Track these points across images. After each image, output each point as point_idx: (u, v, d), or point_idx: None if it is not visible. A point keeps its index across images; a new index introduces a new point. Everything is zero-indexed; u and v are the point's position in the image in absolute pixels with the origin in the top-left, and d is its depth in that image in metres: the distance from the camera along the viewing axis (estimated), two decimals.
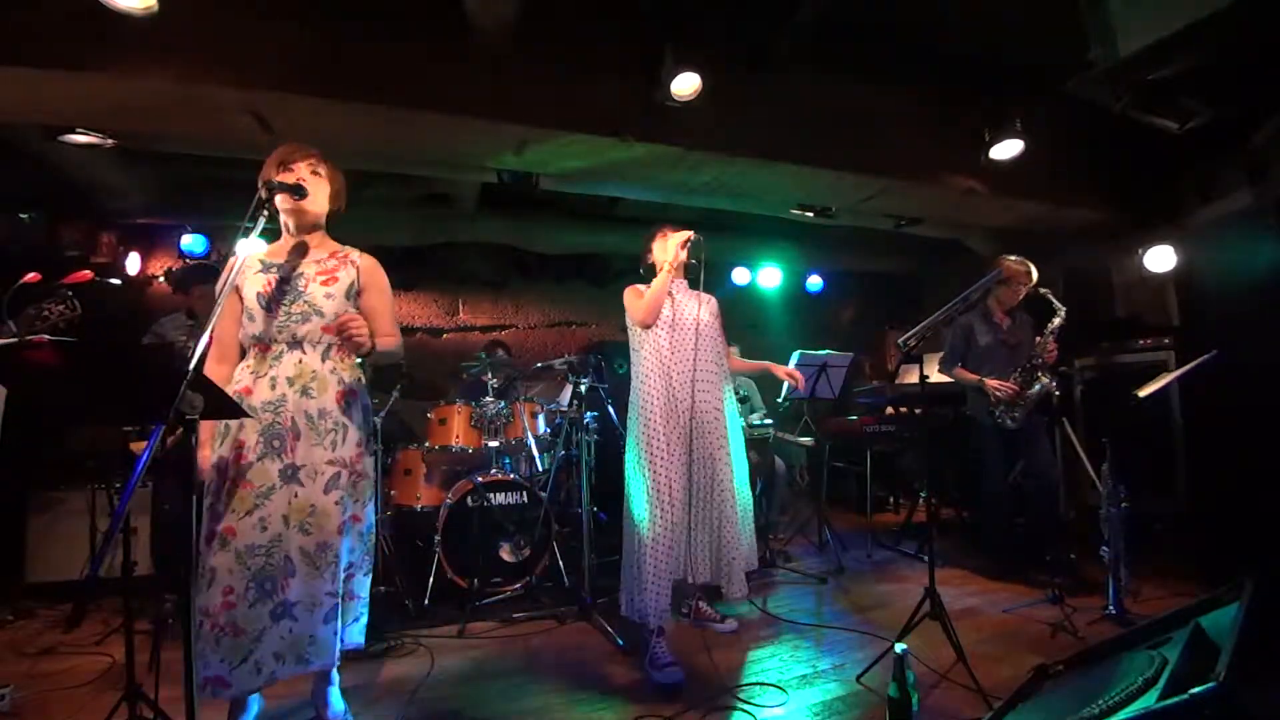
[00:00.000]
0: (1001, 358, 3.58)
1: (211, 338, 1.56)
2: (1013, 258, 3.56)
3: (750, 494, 2.71)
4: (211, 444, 1.83)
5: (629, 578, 2.51)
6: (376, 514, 3.31)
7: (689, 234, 2.60)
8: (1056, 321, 3.41)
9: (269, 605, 1.75)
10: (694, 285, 2.71)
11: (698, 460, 2.51)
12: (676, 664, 2.35)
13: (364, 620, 2.05)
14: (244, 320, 1.85)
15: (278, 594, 1.76)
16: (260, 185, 1.90)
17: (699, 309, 2.67)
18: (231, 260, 1.83)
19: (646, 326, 2.59)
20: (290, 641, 1.77)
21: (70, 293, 2.10)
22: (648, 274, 2.74)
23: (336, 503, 1.85)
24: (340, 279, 1.93)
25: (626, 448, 2.62)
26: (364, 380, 2.00)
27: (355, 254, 2.02)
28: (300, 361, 1.85)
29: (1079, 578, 3.30)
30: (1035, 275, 3.49)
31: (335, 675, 2.04)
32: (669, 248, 2.63)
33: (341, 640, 1.94)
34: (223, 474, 1.78)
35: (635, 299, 2.65)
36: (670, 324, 2.62)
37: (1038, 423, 3.57)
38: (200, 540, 1.74)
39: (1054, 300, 3.40)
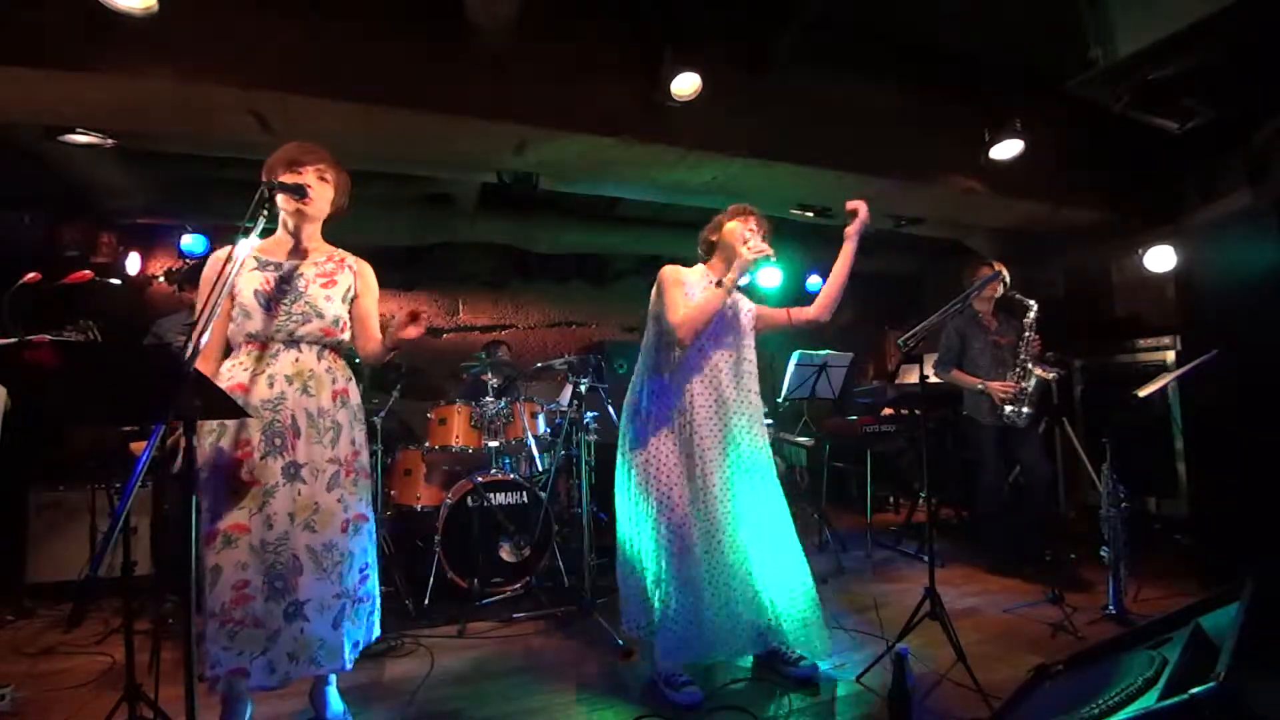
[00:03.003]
0: (996, 358, 3.65)
1: (209, 336, 1.55)
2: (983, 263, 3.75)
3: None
4: (204, 440, 1.81)
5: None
6: (376, 513, 3.36)
7: (767, 251, 2.15)
8: (1032, 315, 3.46)
9: (282, 604, 1.77)
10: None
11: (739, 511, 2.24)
12: (694, 681, 2.21)
13: (378, 612, 2.05)
14: (237, 317, 1.83)
15: (289, 593, 1.78)
16: (264, 178, 1.91)
17: (742, 315, 2.38)
18: (219, 255, 1.84)
19: (682, 345, 2.23)
20: (303, 643, 1.80)
21: (90, 322, 2.10)
22: (698, 255, 2.45)
23: (339, 500, 1.88)
24: (339, 282, 1.96)
25: (620, 464, 2.40)
26: (352, 380, 2.02)
27: (350, 258, 2.04)
28: (297, 360, 1.87)
29: (1079, 577, 3.30)
30: (1005, 274, 3.57)
31: (333, 676, 2.04)
32: (740, 244, 2.22)
33: (360, 641, 1.96)
34: (221, 473, 1.77)
35: (678, 292, 2.23)
36: (715, 336, 2.28)
37: (1030, 419, 3.59)
38: (199, 541, 1.74)
39: (1023, 298, 3.47)
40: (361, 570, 1.94)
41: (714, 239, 2.39)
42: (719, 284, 2.18)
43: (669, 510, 2.21)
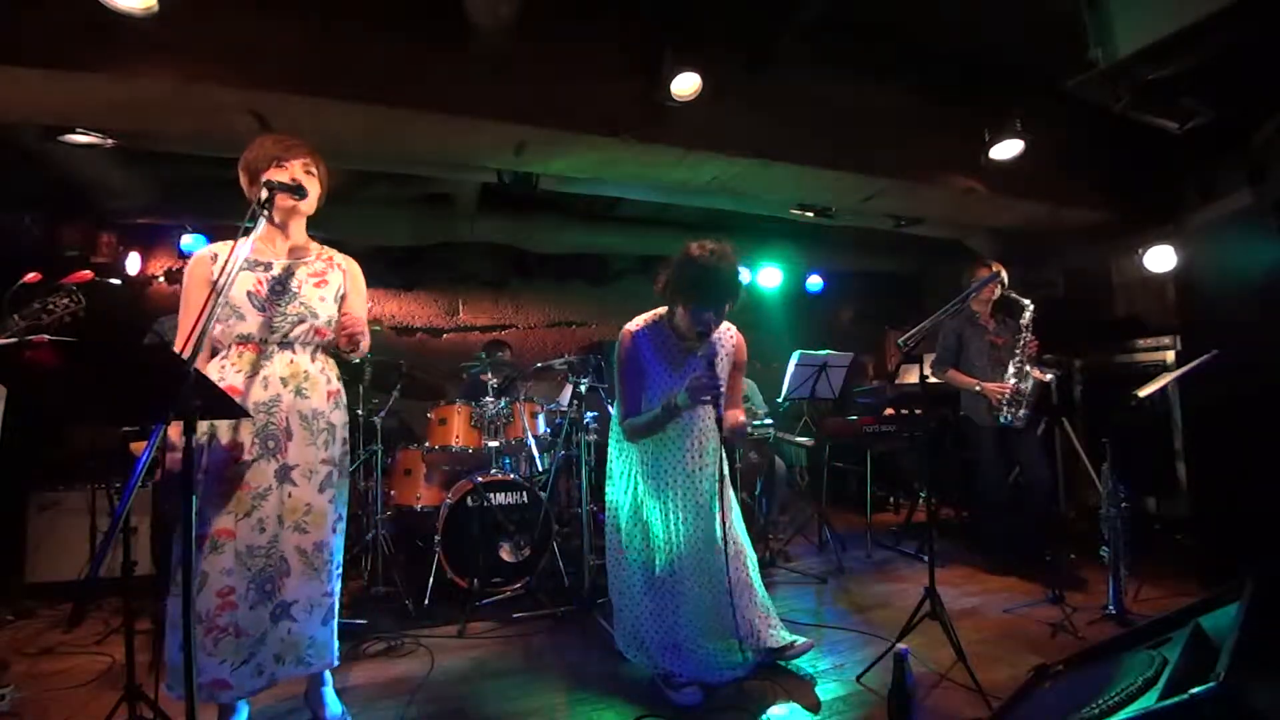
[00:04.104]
0: (993, 358, 3.65)
1: (206, 337, 1.53)
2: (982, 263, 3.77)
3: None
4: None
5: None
6: (376, 513, 3.36)
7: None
8: (1028, 315, 3.49)
9: (268, 607, 1.76)
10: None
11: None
12: (695, 682, 2.22)
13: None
14: (227, 318, 1.80)
15: (276, 595, 1.77)
16: (243, 176, 1.90)
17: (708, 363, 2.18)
18: (203, 255, 1.83)
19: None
20: (290, 643, 1.79)
21: (74, 287, 2.11)
22: (653, 300, 2.34)
23: (330, 501, 1.89)
24: (330, 282, 1.95)
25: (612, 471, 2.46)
26: (340, 380, 2.02)
27: (338, 256, 2.03)
28: (291, 362, 1.86)
29: (1079, 577, 3.30)
30: (1003, 274, 3.59)
31: (328, 676, 2.04)
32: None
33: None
34: (211, 476, 1.75)
35: (628, 381, 2.24)
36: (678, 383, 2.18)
37: (1029, 420, 3.60)
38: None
39: (1020, 298, 3.50)
40: (338, 567, 1.97)
41: (672, 303, 2.25)
42: (666, 406, 2.12)
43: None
